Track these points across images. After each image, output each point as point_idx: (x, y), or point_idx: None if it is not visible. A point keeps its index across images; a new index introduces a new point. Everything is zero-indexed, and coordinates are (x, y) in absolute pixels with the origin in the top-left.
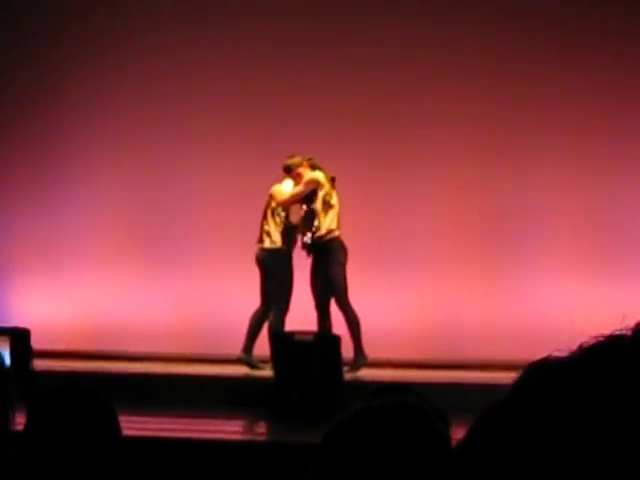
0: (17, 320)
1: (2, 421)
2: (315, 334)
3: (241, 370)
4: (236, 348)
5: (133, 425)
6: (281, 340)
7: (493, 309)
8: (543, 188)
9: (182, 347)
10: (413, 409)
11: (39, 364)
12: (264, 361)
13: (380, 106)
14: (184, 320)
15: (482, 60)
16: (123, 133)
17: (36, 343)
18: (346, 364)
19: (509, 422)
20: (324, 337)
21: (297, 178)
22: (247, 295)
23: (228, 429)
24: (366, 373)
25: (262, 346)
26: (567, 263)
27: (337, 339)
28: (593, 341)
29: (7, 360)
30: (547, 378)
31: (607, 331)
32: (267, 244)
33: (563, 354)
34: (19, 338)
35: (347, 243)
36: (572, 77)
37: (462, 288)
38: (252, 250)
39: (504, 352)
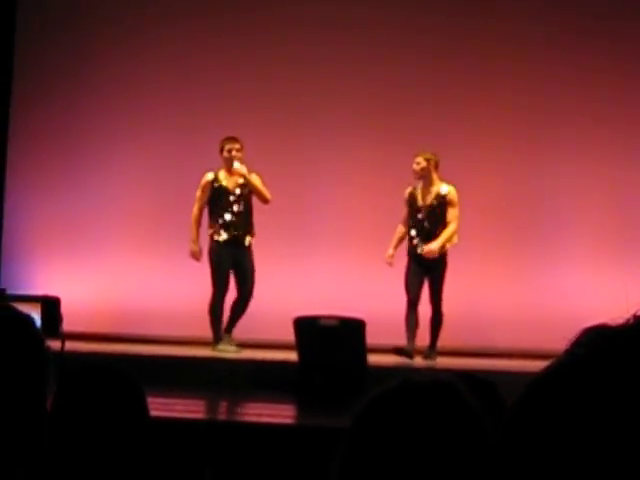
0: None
1: (39, 396)
2: (340, 319)
3: (265, 354)
4: (260, 332)
5: (159, 407)
6: (306, 324)
7: (519, 297)
8: (567, 177)
9: (206, 331)
10: (449, 386)
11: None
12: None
13: (408, 92)
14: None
15: (503, 49)
16: (147, 117)
17: None
18: (370, 349)
19: (570, 385)
20: (349, 322)
21: None
22: (270, 279)
23: (252, 412)
24: (391, 359)
25: (286, 330)
26: (592, 252)
27: (362, 324)
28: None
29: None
30: (605, 343)
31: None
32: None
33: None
34: (50, 305)
35: (374, 230)
36: (595, 66)
37: (487, 276)
38: (269, 237)
39: (530, 340)
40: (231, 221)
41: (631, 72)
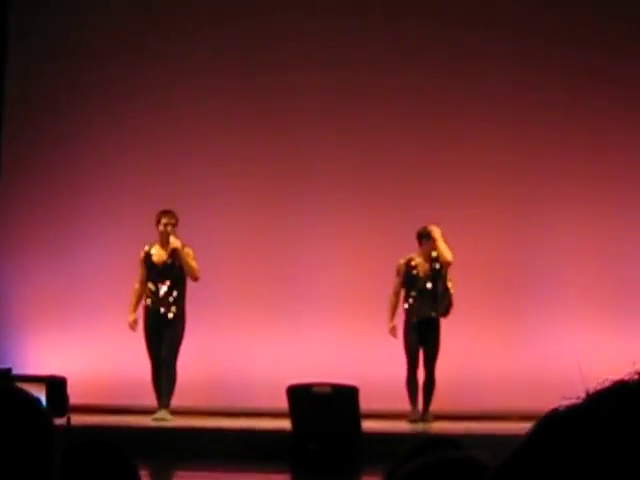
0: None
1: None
2: (333, 386)
3: (259, 423)
4: (254, 400)
5: (154, 479)
6: (299, 392)
7: (509, 359)
8: (557, 238)
9: (200, 400)
10: (478, 465)
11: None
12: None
13: (400, 156)
14: (201, 373)
15: (498, 109)
16: (134, 187)
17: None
18: (364, 415)
19: (522, 477)
20: (342, 389)
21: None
22: (262, 347)
23: None
24: (384, 425)
25: (279, 398)
26: (583, 312)
27: (355, 390)
28: (599, 387)
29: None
30: (555, 430)
31: (616, 376)
32: None
33: (572, 402)
34: (56, 386)
35: (365, 297)
36: (589, 127)
37: (477, 339)
38: (262, 305)
39: (520, 402)
40: (156, 293)
41: (623, 133)
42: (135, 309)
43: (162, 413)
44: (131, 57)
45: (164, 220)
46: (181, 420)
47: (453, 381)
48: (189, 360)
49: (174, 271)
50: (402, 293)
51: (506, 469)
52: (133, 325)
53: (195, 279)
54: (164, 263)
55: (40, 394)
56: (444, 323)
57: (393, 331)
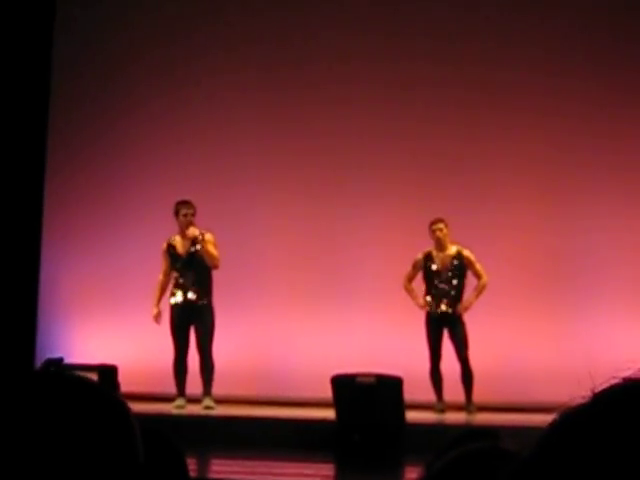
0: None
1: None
2: (377, 376)
3: (303, 413)
4: (298, 390)
5: (198, 468)
6: (343, 382)
7: (556, 351)
8: (603, 230)
9: (244, 390)
10: (508, 456)
11: None
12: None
13: (439, 150)
14: (246, 363)
15: (546, 103)
16: (179, 178)
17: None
18: (408, 406)
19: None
20: (386, 379)
21: None
22: (307, 337)
23: (291, 472)
24: (428, 416)
25: (324, 388)
26: (632, 305)
27: (399, 381)
28: (607, 385)
29: None
30: (565, 428)
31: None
32: None
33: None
34: (107, 374)
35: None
36: (627, 120)
37: (525, 331)
38: (306, 296)
39: (567, 394)
40: (183, 283)
41: None
42: (159, 302)
43: (208, 401)
44: (162, 55)
45: (183, 210)
46: (226, 409)
47: (498, 372)
48: (235, 349)
49: (198, 260)
50: (422, 287)
51: (521, 471)
52: (158, 318)
53: (215, 267)
54: (187, 252)
55: None
56: (489, 315)
57: (426, 305)
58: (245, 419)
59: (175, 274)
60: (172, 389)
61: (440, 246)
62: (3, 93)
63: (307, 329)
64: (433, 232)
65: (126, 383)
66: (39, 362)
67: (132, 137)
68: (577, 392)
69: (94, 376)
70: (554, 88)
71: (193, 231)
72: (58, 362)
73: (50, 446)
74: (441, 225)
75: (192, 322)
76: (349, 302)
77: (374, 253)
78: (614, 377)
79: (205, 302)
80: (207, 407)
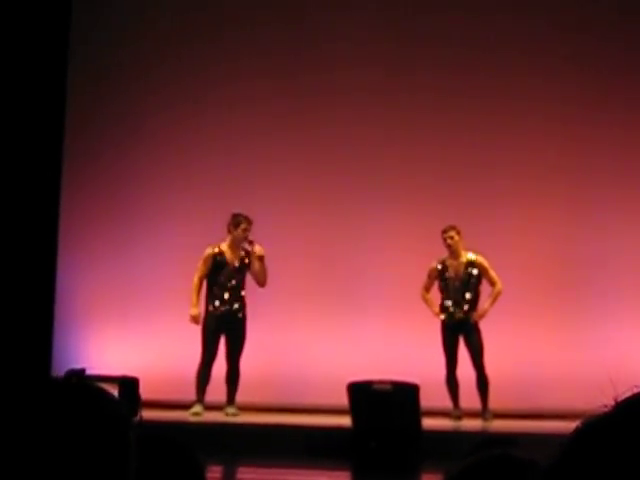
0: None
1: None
2: (393, 383)
3: (319, 420)
4: (314, 397)
5: (215, 475)
6: (359, 389)
7: (571, 358)
8: (619, 237)
9: (260, 397)
10: (523, 463)
11: None
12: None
13: (454, 157)
14: (262, 370)
15: (560, 109)
16: (196, 184)
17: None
18: (425, 413)
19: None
20: (403, 386)
21: None
22: (323, 344)
23: (307, 479)
24: (444, 423)
25: (340, 395)
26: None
27: (416, 388)
28: (629, 394)
29: None
30: (589, 436)
31: None
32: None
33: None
34: (128, 386)
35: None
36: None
37: (540, 338)
38: (322, 303)
39: (582, 401)
40: (224, 294)
41: None
42: (198, 303)
43: (233, 409)
44: (187, 61)
45: (244, 225)
46: (242, 416)
47: (514, 379)
48: (251, 356)
49: (242, 273)
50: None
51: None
52: (198, 318)
53: (263, 284)
54: (239, 264)
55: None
56: (505, 322)
57: (441, 314)
58: (261, 426)
59: (216, 284)
60: (188, 396)
61: (453, 254)
62: (20, 100)
63: (323, 336)
64: (444, 240)
65: (143, 391)
66: (55, 372)
67: (148, 146)
68: (593, 399)
69: (114, 388)
70: (569, 95)
71: (260, 249)
72: (80, 373)
73: (48, 451)
74: (452, 233)
75: (225, 331)
76: (365, 309)
77: (390, 260)
78: (636, 386)
79: (244, 313)
80: (232, 414)
